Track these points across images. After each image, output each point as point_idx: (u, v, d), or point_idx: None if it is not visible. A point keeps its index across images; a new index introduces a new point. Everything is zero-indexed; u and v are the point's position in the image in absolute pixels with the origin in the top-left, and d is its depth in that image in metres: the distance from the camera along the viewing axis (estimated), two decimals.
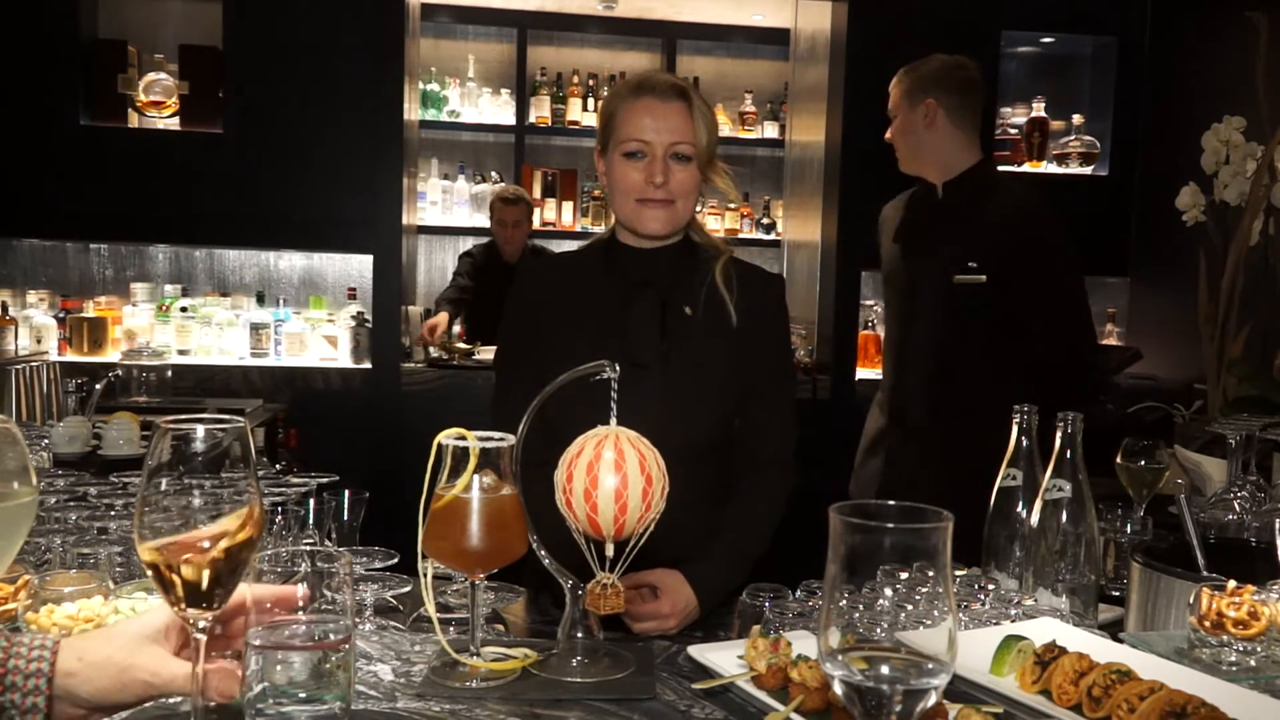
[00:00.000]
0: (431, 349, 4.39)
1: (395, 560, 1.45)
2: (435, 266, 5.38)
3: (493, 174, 5.29)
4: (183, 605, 0.91)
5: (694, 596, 1.59)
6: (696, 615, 1.59)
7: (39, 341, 4.03)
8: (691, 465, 1.63)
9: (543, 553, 1.31)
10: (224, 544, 0.90)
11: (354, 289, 4.35)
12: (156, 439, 0.90)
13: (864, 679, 0.77)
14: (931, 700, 0.78)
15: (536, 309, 1.80)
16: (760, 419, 1.79)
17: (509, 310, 1.85)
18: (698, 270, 1.78)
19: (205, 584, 0.90)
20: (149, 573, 0.91)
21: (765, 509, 1.77)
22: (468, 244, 5.01)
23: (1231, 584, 1.25)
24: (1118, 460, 1.80)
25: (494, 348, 4.36)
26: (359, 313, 4.24)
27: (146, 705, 1.08)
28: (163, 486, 0.90)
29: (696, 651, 1.26)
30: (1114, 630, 1.37)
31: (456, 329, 4.47)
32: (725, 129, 5.04)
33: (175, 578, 0.89)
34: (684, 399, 1.71)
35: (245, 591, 0.93)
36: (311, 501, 1.59)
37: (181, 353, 4.11)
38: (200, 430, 0.91)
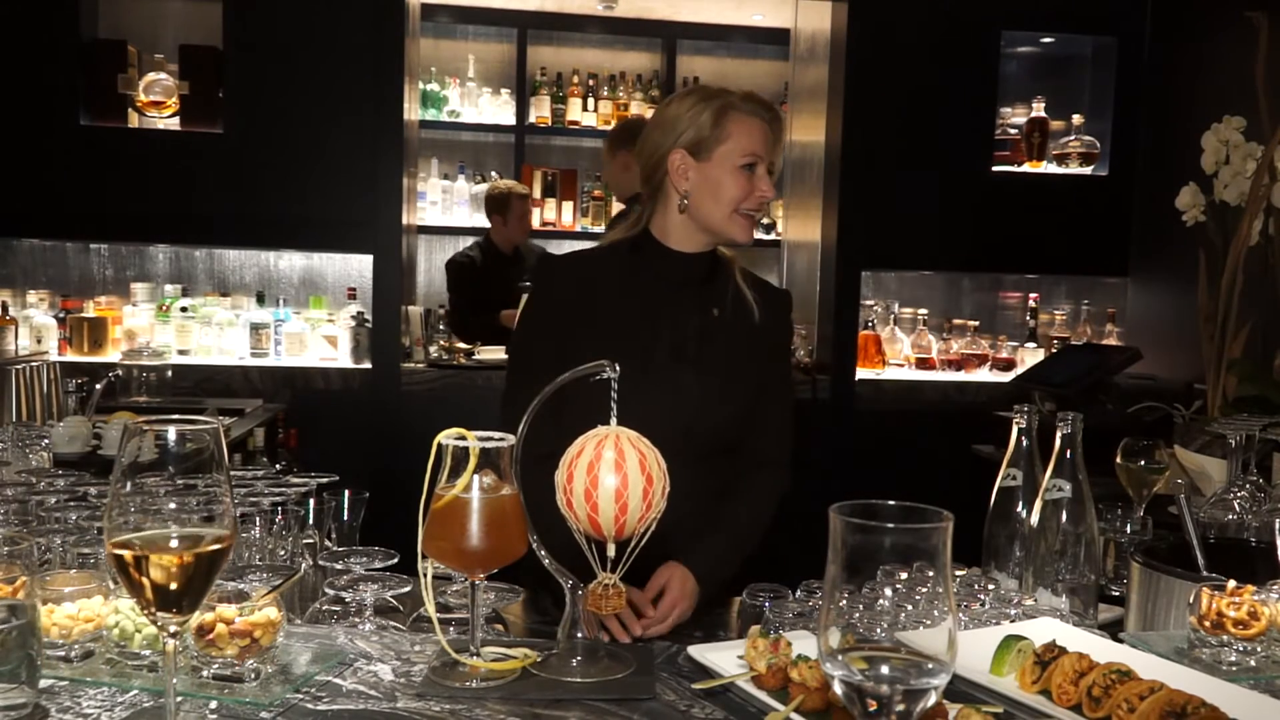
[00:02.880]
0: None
1: (395, 560, 1.45)
2: (435, 266, 5.38)
3: (493, 174, 5.29)
4: (153, 609, 0.90)
5: (695, 581, 1.66)
6: (697, 599, 1.66)
7: (39, 341, 4.03)
8: (705, 459, 1.73)
9: (543, 553, 1.31)
10: (194, 548, 0.89)
11: (354, 289, 4.35)
12: (128, 438, 0.89)
13: (864, 679, 0.77)
14: (931, 700, 0.78)
15: (565, 307, 1.82)
16: (766, 420, 1.86)
17: (534, 307, 1.87)
18: (722, 274, 1.88)
19: (175, 588, 0.89)
20: (117, 575, 0.90)
21: (762, 508, 1.85)
22: (468, 243, 4.99)
23: (1231, 584, 1.25)
24: (1118, 460, 1.80)
25: (494, 347, 4.40)
26: (359, 313, 4.24)
27: (145, 705, 1.08)
28: (133, 487, 0.88)
29: (696, 651, 1.26)
30: (1114, 630, 1.37)
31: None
32: None
33: (144, 580, 0.88)
34: (714, 393, 1.79)
35: None
36: (311, 501, 1.59)
37: (181, 353, 4.11)
38: (173, 431, 0.90)
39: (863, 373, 4.41)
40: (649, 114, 3.88)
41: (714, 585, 1.69)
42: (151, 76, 4.15)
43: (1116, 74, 4.46)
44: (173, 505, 0.89)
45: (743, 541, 1.79)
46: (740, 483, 1.83)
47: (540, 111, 5.18)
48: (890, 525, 0.77)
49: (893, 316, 4.65)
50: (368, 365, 4.17)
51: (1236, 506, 1.76)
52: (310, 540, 1.56)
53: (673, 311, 1.82)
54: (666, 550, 1.56)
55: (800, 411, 1.90)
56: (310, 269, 4.46)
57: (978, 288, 4.87)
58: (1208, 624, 1.23)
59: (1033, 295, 4.74)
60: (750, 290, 1.87)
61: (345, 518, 1.62)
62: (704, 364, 1.80)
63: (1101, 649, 1.22)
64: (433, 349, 4.39)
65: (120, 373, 3.59)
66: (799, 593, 1.44)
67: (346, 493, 1.62)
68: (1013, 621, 1.34)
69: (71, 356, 4.03)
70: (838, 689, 0.79)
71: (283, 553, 1.51)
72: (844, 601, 0.78)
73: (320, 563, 1.48)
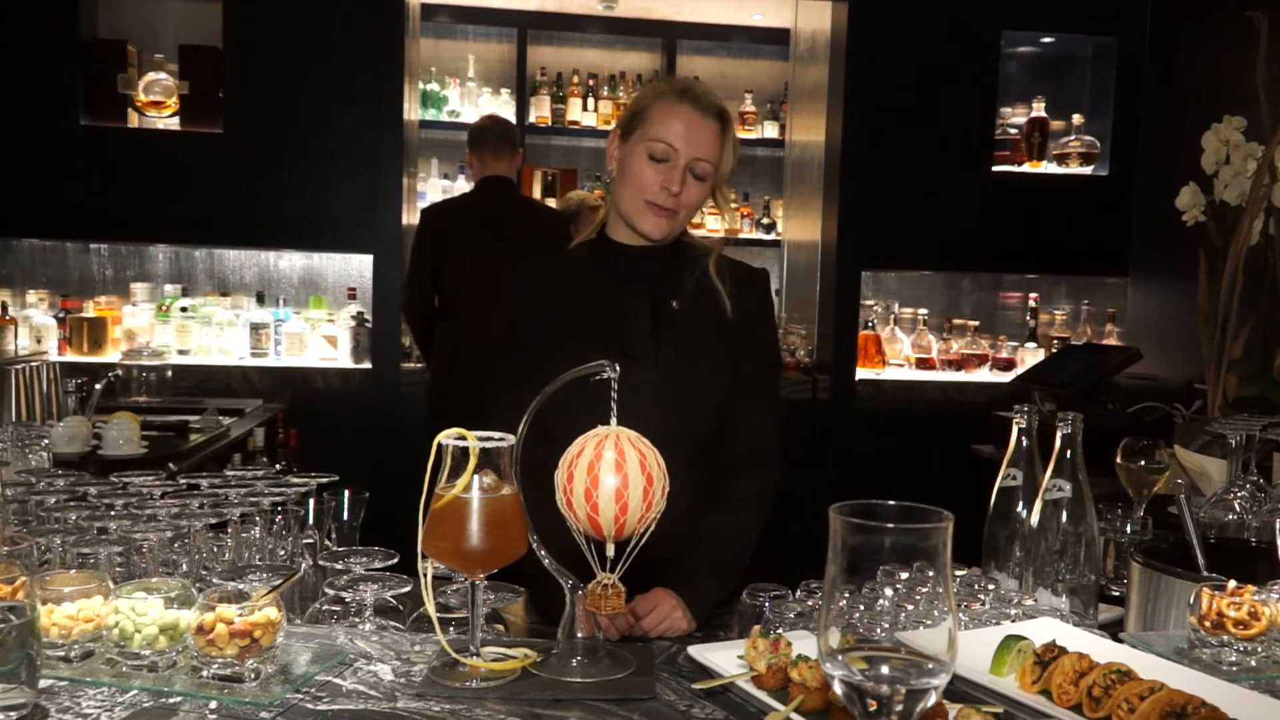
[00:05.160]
0: None
1: (395, 560, 1.44)
2: None
3: None
4: None
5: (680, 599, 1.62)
6: (691, 627, 1.61)
7: (39, 341, 4.03)
8: (687, 459, 1.65)
9: (543, 553, 1.31)
10: None
11: (354, 289, 4.35)
12: None
13: (864, 679, 0.77)
14: (931, 700, 0.78)
15: (528, 307, 1.80)
16: (745, 411, 1.79)
17: (509, 311, 1.85)
18: (684, 266, 1.79)
19: None
20: None
21: (748, 516, 1.77)
22: None
23: (1232, 584, 1.25)
24: (1118, 460, 1.80)
25: None
26: (359, 313, 4.24)
27: (145, 705, 1.08)
28: None
29: (696, 651, 1.26)
30: (1114, 630, 1.37)
31: None
32: None
33: None
34: (677, 391, 1.72)
35: None
36: (311, 501, 1.59)
37: (181, 353, 4.11)
38: None
39: (863, 373, 4.41)
40: None
41: (703, 605, 1.64)
42: (151, 76, 4.15)
43: (1116, 74, 4.47)
44: None
45: (729, 566, 1.70)
46: (726, 488, 1.76)
47: (540, 111, 5.17)
48: (890, 525, 0.77)
49: (893, 316, 4.65)
50: (368, 365, 4.17)
51: (1236, 506, 1.76)
52: (310, 540, 1.56)
53: (624, 309, 1.75)
54: (663, 550, 1.55)
55: (800, 411, 1.89)
56: (310, 269, 4.46)
57: (978, 288, 4.87)
58: (1208, 624, 1.23)
59: (1033, 295, 4.74)
60: (725, 277, 1.78)
61: (345, 518, 1.62)
62: (661, 362, 1.72)
63: (1101, 649, 1.22)
64: None
65: (120, 373, 3.59)
66: (799, 593, 1.44)
67: (346, 493, 1.62)
68: (1013, 621, 1.34)
69: (71, 356, 4.04)
70: (838, 689, 0.79)
71: (283, 553, 1.51)
72: (844, 601, 0.78)
73: (320, 563, 1.48)
